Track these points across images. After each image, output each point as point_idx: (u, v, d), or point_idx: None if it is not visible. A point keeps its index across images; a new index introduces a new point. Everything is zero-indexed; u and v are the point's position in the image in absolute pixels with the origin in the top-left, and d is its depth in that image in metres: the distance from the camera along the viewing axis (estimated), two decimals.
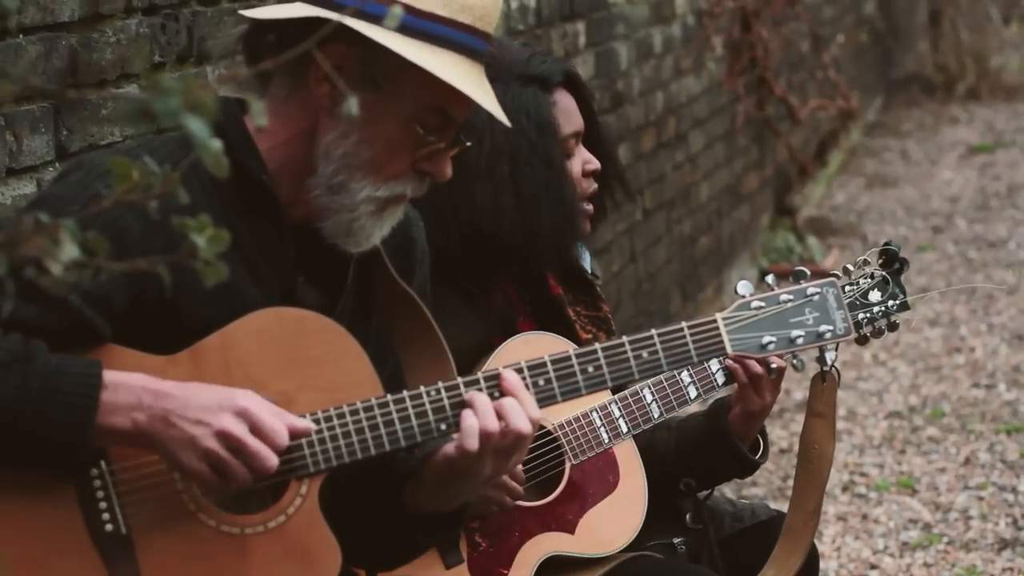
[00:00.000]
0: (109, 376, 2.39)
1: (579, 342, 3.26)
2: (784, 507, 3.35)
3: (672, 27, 7.15)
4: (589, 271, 3.46)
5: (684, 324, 2.70)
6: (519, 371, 2.61)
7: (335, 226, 2.62)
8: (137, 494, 2.47)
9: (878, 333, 3.07)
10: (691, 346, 2.70)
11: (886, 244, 3.12)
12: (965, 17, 14.17)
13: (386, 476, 2.71)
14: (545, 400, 2.62)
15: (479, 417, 2.55)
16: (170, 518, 2.47)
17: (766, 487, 5.91)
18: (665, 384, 3.25)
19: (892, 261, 3.10)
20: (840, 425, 6.38)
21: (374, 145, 2.59)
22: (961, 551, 5.34)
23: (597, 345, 2.65)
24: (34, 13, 3.00)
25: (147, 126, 2.85)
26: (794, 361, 2.81)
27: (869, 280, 3.09)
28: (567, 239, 3.28)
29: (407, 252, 2.82)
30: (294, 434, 2.47)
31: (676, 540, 3.37)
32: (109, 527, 2.46)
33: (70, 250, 1.62)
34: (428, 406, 2.56)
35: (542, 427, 3.14)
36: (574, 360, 2.63)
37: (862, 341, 3.04)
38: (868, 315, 3.07)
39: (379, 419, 2.54)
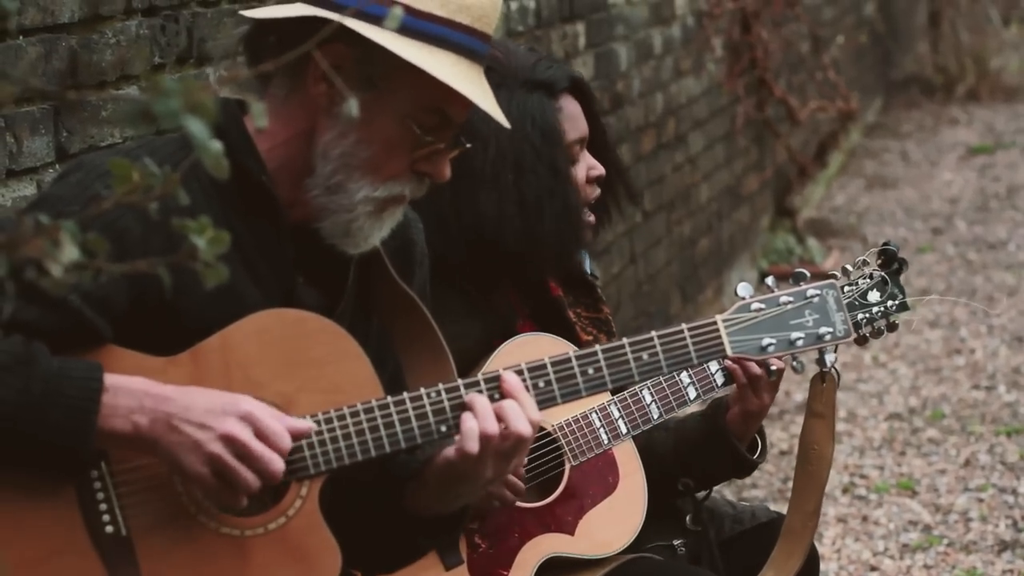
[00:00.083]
0: (110, 379, 2.39)
1: (580, 344, 3.26)
2: (784, 509, 3.34)
3: (672, 28, 7.15)
4: (589, 272, 3.45)
5: (684, 326, 2.70)
6: (519, 373, 2.60)
7: (333, 226, 2.62)
8: (137, 495, 2.46)
9: (877, 333, 3.07)
10: (691, 348, 2.69)
11: (885, 244, 3.12)
12: (965, 18, 14.17)
13: (386, 478, 2.71)
14: (545, 402, 2.62)
15: (479, 419, 2.55)
16: (170, 520, 2.47)
17: (766, 489, 5.91)
18: (664, 385, 3.24)
19: (891, 261, 3.10)
20: (840, 427, 6.37)
21: (372, 145, 2.58)
22: (961, 553, 5.33)
23: (597, 347, 2.65)
24: (34, 14, 2.99)
25: (147, 127, 2.83)
26: (793, 363, 2.80)
27: (868, 280, 3.09)
28: (570, 246, 3.28)
29: (407, 254, 2.82)
30: (295, 436, 2.47)
31: (676, 542, 3.37)
32: (109, 528, 2.45)
33: (70, 251, 1.62)
34: (428, 408, 2.56)
35: (541, 428, 3.14)
36: (574, 362, 2.63)
37: (862, 341, 3.04)
38: (867, 315, 3.06)
39: (379, 421, 2.53)
